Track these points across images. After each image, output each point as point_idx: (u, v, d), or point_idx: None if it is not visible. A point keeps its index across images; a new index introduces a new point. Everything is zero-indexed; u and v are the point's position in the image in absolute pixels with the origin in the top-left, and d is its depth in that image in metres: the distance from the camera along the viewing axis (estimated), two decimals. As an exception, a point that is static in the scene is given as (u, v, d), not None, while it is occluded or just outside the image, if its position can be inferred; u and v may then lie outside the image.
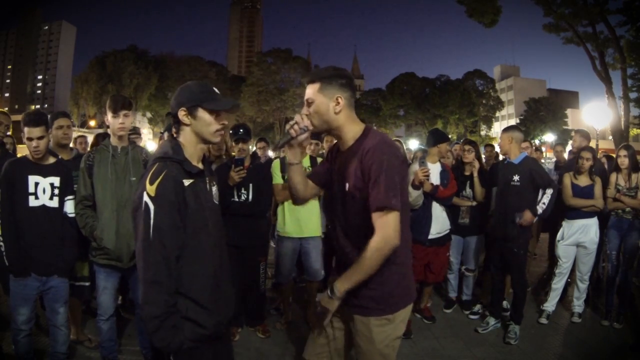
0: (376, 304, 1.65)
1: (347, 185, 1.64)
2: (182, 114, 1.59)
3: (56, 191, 2.59)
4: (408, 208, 1.77)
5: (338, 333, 1.78)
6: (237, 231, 3.36)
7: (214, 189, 1.73)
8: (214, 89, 1.67)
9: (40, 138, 2.52)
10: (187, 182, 1.55)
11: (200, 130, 1.61)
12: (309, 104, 1.67)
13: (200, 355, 1.60)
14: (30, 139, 2.49)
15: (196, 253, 1.56)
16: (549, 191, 3.49)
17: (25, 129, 2.48)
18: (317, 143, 4.07)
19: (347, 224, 1.71)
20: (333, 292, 1.59)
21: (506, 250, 3.55)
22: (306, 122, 1.67)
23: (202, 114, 1.59)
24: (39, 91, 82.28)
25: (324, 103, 1.64)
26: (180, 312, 1.52)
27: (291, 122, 1.70)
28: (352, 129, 1.69)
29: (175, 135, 1.66)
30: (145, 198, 1.47)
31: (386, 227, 1.53)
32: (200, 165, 1.66)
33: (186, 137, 1.63)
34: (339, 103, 1.64)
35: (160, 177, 1.49)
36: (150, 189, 1.47)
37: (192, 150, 1.63)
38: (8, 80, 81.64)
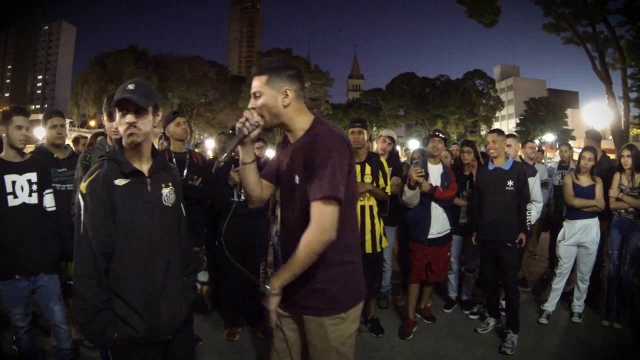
0: (328, 304, 1.62)
1: (296, 177, 1.59)
2: (104, 119, 1.68)
3: (34, 187, 2.56)
4: (354, 204, 1.72)
5: (294, 335, 1.75)
6: (237, 231, 3.36)
7: (167, 190, 1.69)
8: (128, 86, 1.59)
9: (28, 128, 2.54)
10: (121, 182, 1.56)
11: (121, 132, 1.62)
12: (257, 97, 1.61)
13: (135, 354, 1.60)
14: (20, 127, 2.49)
15: (127, 254, 1.56)
16: (534, 214, 3.84)
17: (15, 117, 2.49)
18: None
19: (297, 219, 1.61)
20: (268, 290, 1.54)
21: (500, 246, 3.50)
22: (256, 118, 1.61)
23: (115, 115, 1.63)
24: (39, 91, 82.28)
25: (272, 96, 1.58)
26: (114, 308, 1.55)
27: (241, 120, 1.62)
28: (301, 120, 1.64)
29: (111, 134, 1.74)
30: (79, 195, 1.54)
31: (322, 219, 1.48)
32: (145, 166, 1.65)
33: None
34: (287, 95, 1.59)
35: (93, 175, 1.55)
36: (83, 186, 1.54)
37: (130, 152, 1.63)
38: (8, 80, 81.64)
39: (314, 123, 1.63)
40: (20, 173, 2.53)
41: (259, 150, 5.56)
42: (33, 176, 2.56)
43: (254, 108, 1.62)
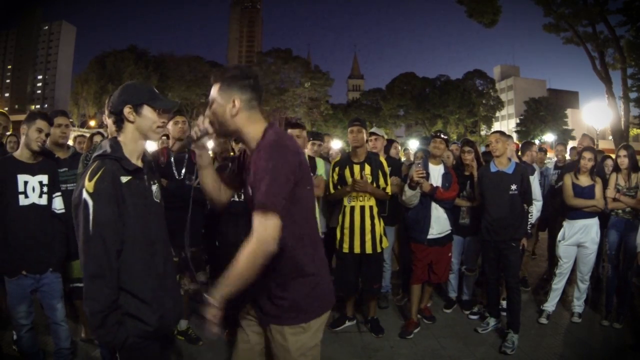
0: (289, 313, 1.61)
1: (249, 189, 1.59)
2: (127, 111, 1.65)
3: (45, 189, 2.61)
4: (311, 215, 1.70)
5: (258, 338, 1.74)
6: (237, 230, 3.36)
7: (155, 187, 1.76)
8: (155, 89, 1.76)
9: (48, 134, 2.62)
10: (124, 179, 1.60)
11: (144, 127, 1.68)
12: (210, 105, 1.62)
13: (146, 351, 1.62)
14: (40, 130, 2.55)
15: (135, 249, 1.59)
16: (534, 213, 3.83)
17: (38, 120, 2.55)
18: (319, 144, 4.11)
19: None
20: (208, 299, 1.46)
21: (504, 246, 3.51)
22: (205, 125, 1.63)
23: (147, 111, 1.67)
24: (39, 91, 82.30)
25: (221, 105, 1.59)
26: (122, 307, 1.55)
27: (194, 124, 1.67)
28: (252, 131, 1.61)
29: (116, 134, 1.72)
30: (84, 194, 1.52)
31: (259, 231, 1.44)
32: (139, 163, 1.71)
33: (127, 135, 1.68)
34: (234, 105, 1.57)
35: (99, 173, 1.54)
36: (89, 185, 1.52)
37: (132, 148, 1.69)
38: (8, 80, 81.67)
39: (264, 133, 1.59)
40: (33, 174, 2.58)
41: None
42: (44, 178, 2.62)
43: (208, 117, 1.64)
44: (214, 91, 1.62)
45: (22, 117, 2.67)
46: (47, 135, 2.61)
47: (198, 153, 1.70)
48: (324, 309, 1.70)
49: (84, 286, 1.52)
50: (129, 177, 1.61)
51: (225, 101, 1.59)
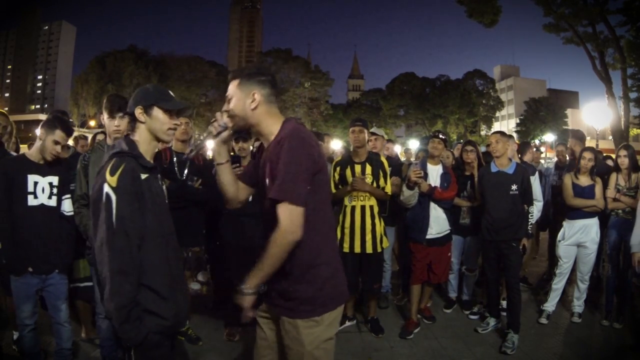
0: (302, 306, 1.63)
1: (267, 181, 1.63)
2: (138, 111, 1.70)
3: (55, 190, 2.62)
4: (327, 207, 1.75)
5: (273, 335, 1.77)
6: (237, 230, 3.36)
7: (163, 186, 1.81)
8: (170, 92, 1.80)
9: (64, 146, 2.65)
10: (143, 176, 1.64)
11: (154, 128, 1.72)
12: (229, 100, 1.68)
13: (160, 348, 1.65)
14: (57, 143, 2.56)
15: (153, 245, 1.63)
16: (535, 213, 3.83)
17: (57, 131, 2.55)
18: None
19: (270, 223, 1.61)
20: (245, 288, 1.59)
21: (504, 246, 3.51)
22: (225, 120, 1.67)
23: (157, 112, 1.71)
24: (39, 91, 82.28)
25: (241, 99, 1.65)
26: (141, 304, 1.57)
27: (212, 120, 1.70)
28: (270, 125, 1.67)
29: (130, 134, 1.76)
30: (107, 189, 1.54)
31: (285, 220, 1.51)
32: (151, 162, 1.75)
33: (141, 135, 1.73)
34: (254, 99, 1.64)
35: (121, 168, 1.57)
36: (112, 179, 1.55)
37: (146, 148, 1.73)
38: (8, 80, 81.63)
39: (282, 126, 1.65)
40: (43, 175, 2.59)
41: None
42: (55, 180, 2.63)
43: (226, 111, 1.68)
44: (233, 87, 1.68)
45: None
46: (64, 147, 2.62)
47: (217, 149, 1.74)
48: (338, 303, 1.72)
49: (108, 282, 1.52)
50: (147, 174, 1.66)
51: (245, 95, 1.65)
